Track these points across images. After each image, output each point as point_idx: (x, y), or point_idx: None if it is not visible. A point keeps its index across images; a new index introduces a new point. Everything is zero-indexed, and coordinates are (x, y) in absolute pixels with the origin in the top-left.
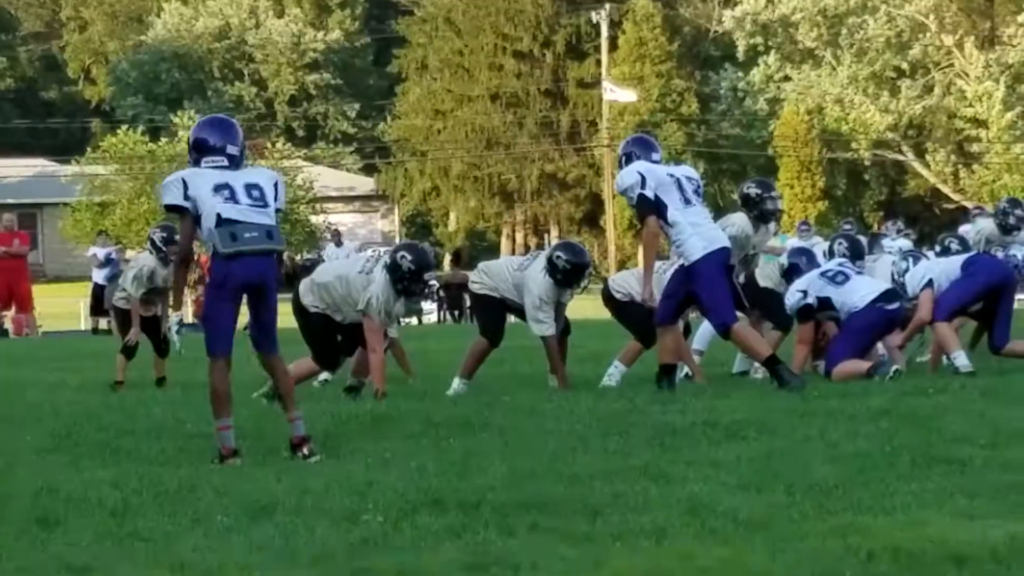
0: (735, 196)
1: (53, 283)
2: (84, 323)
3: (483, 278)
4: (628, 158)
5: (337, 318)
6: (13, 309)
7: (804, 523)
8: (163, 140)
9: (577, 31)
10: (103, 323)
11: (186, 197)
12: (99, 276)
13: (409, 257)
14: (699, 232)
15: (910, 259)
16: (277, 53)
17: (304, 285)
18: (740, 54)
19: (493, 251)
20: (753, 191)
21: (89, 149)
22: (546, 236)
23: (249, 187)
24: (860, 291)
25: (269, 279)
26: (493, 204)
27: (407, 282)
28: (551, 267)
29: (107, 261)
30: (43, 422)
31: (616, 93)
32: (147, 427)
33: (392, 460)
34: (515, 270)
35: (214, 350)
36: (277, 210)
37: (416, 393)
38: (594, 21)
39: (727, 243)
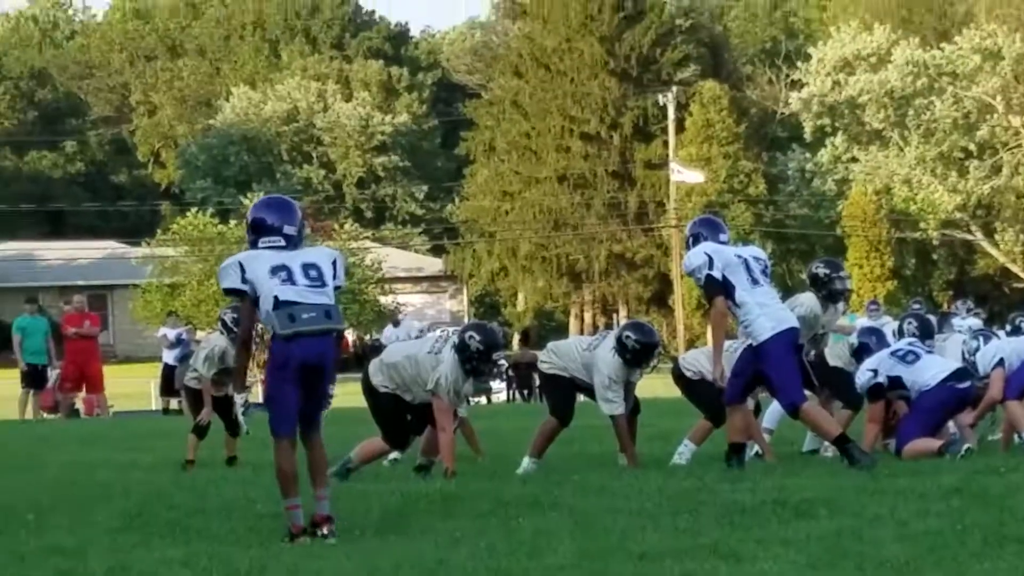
0: (803, 276)
1: (124, 363)
2: (155, 403)
3: (552, 358)
4: (696, 239)
5: (407, 398)
6: (84, 390)
7: None
8: (232, 222)
9: (644, 113)
10: (173, 403)
11: (244, 280)
12: (169, 356)
13: (477, 337)
14: (767, 312)
15: (980, 338)
16: (345, 136)
17: (373, 365)
18: (807, 135)
19: (561, 331)
20: (822, 271)
21: (159, 231)
22: (614, 316)
23: (307, 267)
24: (931, 370)
25: (328, 359)
26: (561, 284)
27: (476, 362)
28: (620, 347)
29: (177, 342)
30: (114, 501)
31: (683, 174)
32: (217, 506)
33: (462, 539)
34: (584, 350)
35: (278, 431)
36: (337, 287)
37: (485, 472)
38: (661, 103)
39: (795, 323)
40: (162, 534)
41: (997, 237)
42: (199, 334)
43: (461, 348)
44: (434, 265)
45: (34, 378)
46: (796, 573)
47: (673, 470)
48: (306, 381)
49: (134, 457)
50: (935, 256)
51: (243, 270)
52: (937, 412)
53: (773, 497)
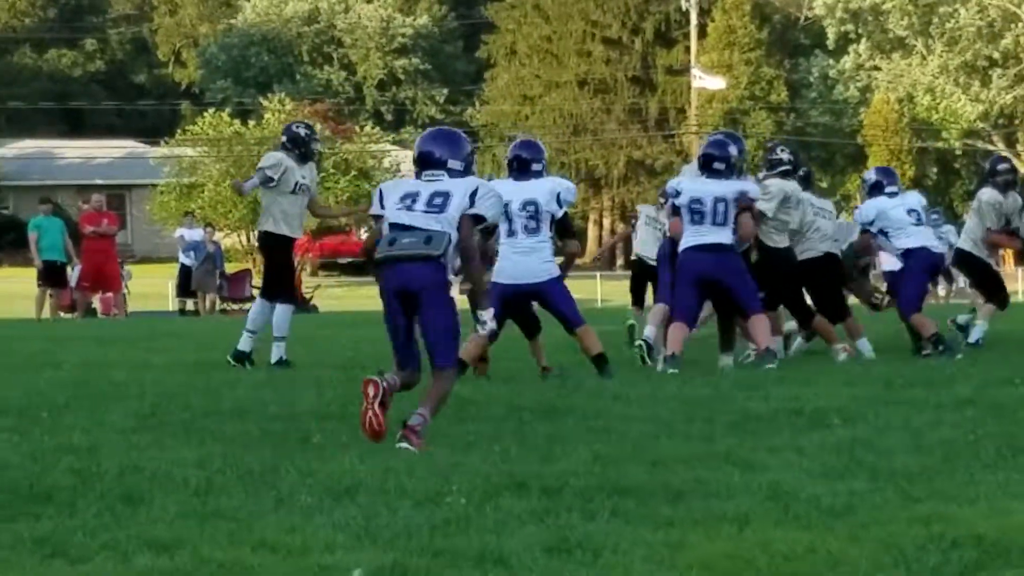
0: (823, 184)
1: (141, 263)
2: (171, 304)
3: None
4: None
5: None
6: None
7: (887, 511)
8: (251, 123)
9: (666, 18)
10: (189, 304)
11: (382, 207)
12: (186, 258)
13: None
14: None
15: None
16: (366, 38)
17: None
18: (830, 42)
19: (580, 236)
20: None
21: (178, 131)
22: (632, 222)
23: (435, 195)
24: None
25: (420, 284)
26: (580, 190)
27: None
28: None
29: (195, 246)
30: (128, 402)
31: (705, 80)
32: (231, 408)
33: (475, 443)
34: None
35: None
36: (478, 218)
37: (500, 377)
38: (683, 8)
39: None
40: (175, 435)
41: (1019, 147)
42: (216, 235)
43: None
44: None
45: (53, 275)
46: (809, 482)
47: (689, 377)
48: (406, 308)
49: (149, 358)
50: (957, 166)
51: (382, 196)
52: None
53: (787, 406)
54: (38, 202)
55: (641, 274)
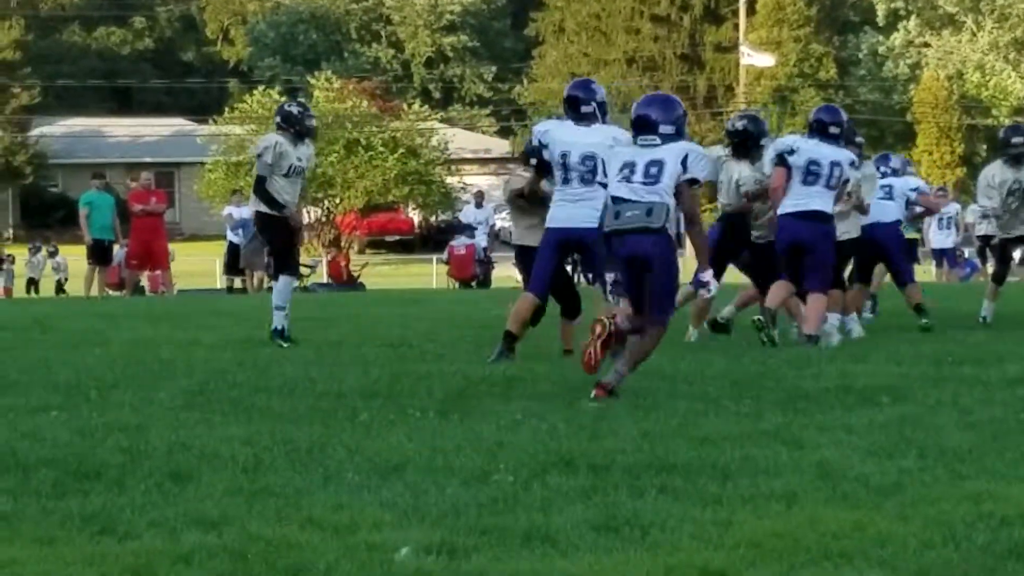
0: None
1: (189, 241)
2: (219, 282)
3: None
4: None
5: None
6: (150, 267)
7: (936, 488)
8: (300, 100)
9: None
10: (237, 282)
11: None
12: (233, 235)
13: None
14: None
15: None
16: (414, 15)
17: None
18: (880, 18)
19: None
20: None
21: (226, 109)
22: None
23: (650, 164)
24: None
25: (650, 254)
26: None
27: None
28: None
29: (243, 224)
30: (177, 379)
31: (753, 58)
32: (279, 385)
33: (523, 421)
34: None
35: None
36: (693, 181)
37: (547, 354)
38: None
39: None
40: (224, 412)
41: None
42: None
43: None
44: (501, 147)
45: (100, 254)
46: (858, 460)
47: (737, 355)
48: (636, 270)
49: (197, 335)
50: None
51: (603, 162)
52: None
53: (836, 384)
54: (90, 177)
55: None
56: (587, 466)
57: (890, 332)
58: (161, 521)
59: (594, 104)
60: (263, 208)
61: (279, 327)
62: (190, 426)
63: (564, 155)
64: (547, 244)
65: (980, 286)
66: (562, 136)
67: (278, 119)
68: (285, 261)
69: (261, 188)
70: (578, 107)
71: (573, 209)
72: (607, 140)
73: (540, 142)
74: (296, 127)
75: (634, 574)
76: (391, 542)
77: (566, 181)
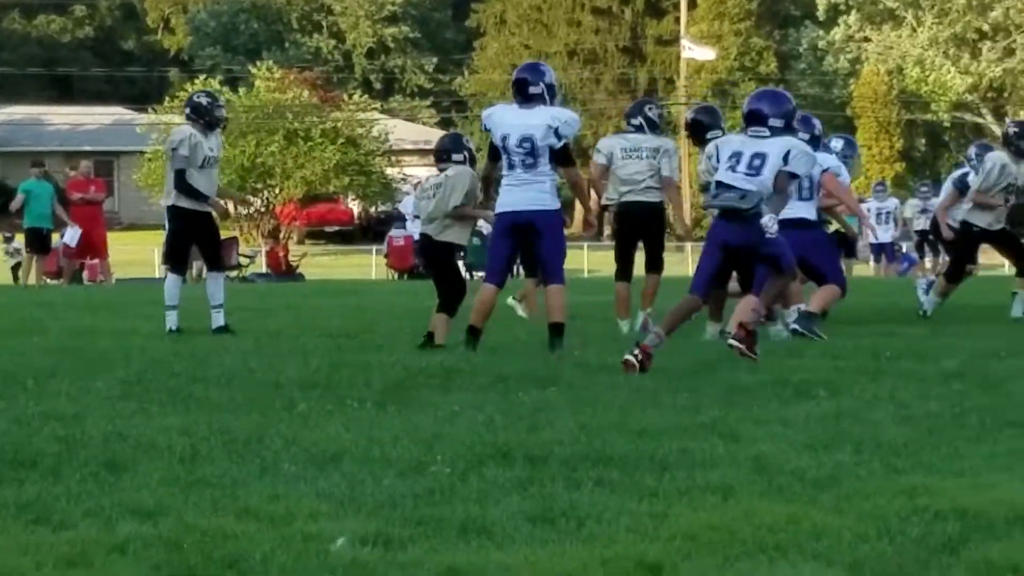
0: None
1: (128, 230)
2: (158, 271)
3: None
4: None
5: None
6: (88, 256)
7: (871, 482)
8: (240, 91)
9: None
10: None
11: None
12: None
13: None
14: None
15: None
16: (355, 6)
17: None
18: (820, 13)
19: (568, 206)
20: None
21: (166, 98)
22: None
23: (755, 156)
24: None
25: (745, 240)
26: None
27: None
28: None
29: None
30: (114, 369)
31: (694, 51)
32: (217, 375)
33: (460, 413)
34: None
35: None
36: (792, 175)
37: (486, 347)
38: None
39: None
40: (161, 402)
41: (1008, 120)
42: None
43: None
44: None
45: (39, 242)
46: (794, 453)
47: (676, 348)
48: (728, 255)
49: (135, 324)
50: (945, 138)
51: (716, 150)
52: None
53: (773, 377)
54: (29, 165)
55: None
56: (524, 458)
57: (828, 326)
58: (96, 511)
59: (542, 85)
60: (183, 203)
61: (222, 324)
62: (127, 416)
63: (504, 138)
64: (499, 230)
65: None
66: (503, 119)
67: (188, 110)
68: (212, 257)
69: (183, 181)
70: (526, 89)
71: (519, 193)
72: (546, 121)
73: (485, 127)
74: (206, 118)
75: (570, 566)
76: (327, 532)
77: (511, 166)
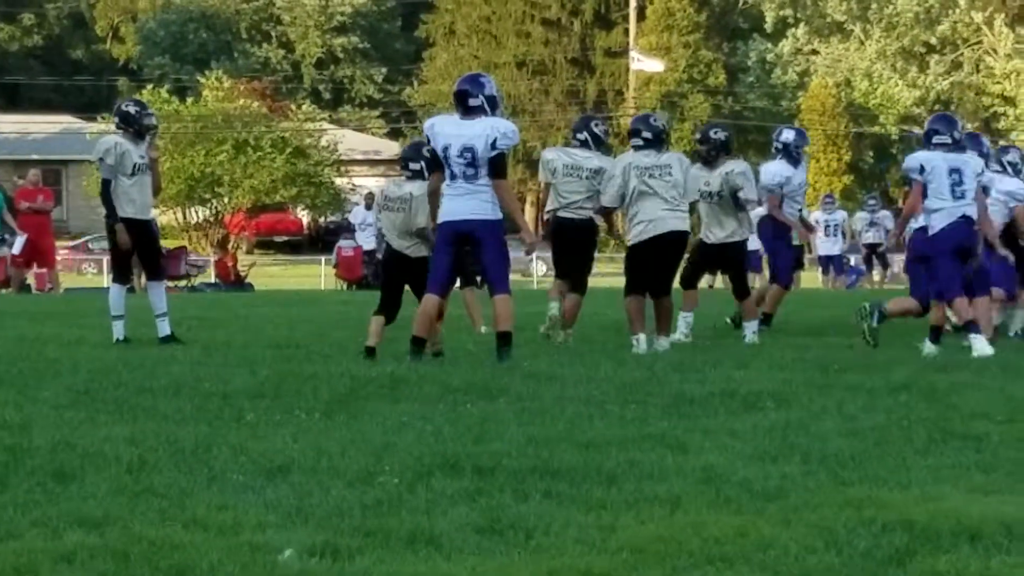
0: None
1: (77, 239)
2: (106, 280)
3: None
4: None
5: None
6: (36, 265)
7: (819, 494)
8: (189, 100)
9: (605, 0)
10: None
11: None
12: None
13: None
14: None
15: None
16: (305, 16)
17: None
18: (768, 26)
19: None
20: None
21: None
22: None
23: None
24: None
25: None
26: (517, 171)
27: None
28: None
29: None
30: (62, 378)
31: (643, 63)
32: (165, 385)
33: (409, 423)
34: None
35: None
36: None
37: (430, 357)
38: None
39: None
40: (109, 411)
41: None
42: (152, 212)
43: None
44: (391, 149)
45: None
46: (742, 464)
47: (623, 360)
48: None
49: (83, 334)
50: (893, 151)
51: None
52: None
53: (721, 388)
54: None
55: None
56: (472, 469)
57: (776, 337)
58: (43, 520)
59: (482, 97)
60: (123, 212)
61: (168, 333)
62: (74, 425)
63: (446, 148)
64: (441, 240)
65: (866, 293)
66: (445, 130)
67: (116, 120)
68: (152, 267)
69: (106, 192)
70: (466, 101)
71: (461, 202)
72: (487, 131)
73: (427, 137)
74: (135, 126)
75: None
76: (275, 543)
77: (452, 176)
